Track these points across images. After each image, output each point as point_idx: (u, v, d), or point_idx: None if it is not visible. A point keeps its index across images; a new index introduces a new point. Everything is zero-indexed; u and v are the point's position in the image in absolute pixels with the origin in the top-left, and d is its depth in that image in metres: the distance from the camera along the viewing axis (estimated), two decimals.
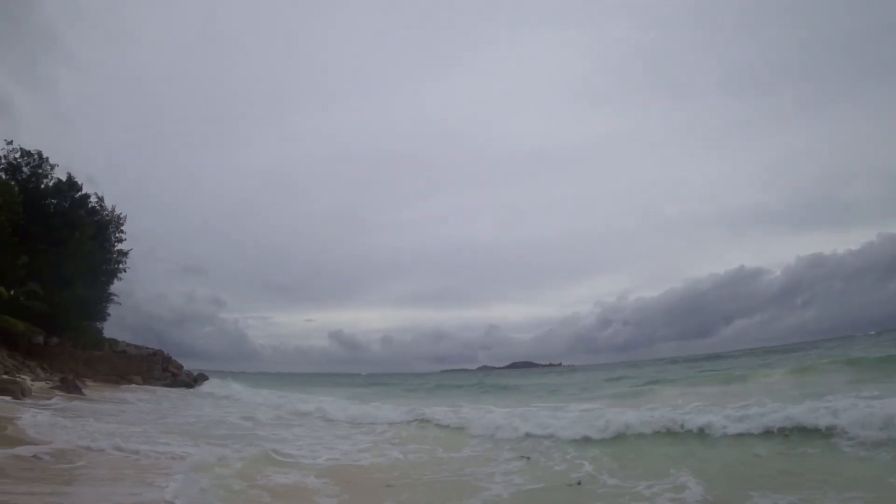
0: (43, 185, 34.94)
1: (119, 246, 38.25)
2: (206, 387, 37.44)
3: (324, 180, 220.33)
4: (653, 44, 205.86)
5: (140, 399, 20.18)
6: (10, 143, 34.58)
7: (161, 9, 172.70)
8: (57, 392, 15.87)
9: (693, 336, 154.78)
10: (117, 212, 38.11)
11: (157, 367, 39.77)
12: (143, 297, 74.60)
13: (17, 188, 31.81)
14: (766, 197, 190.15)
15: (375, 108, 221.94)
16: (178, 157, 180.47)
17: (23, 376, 17.56)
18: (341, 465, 8.01)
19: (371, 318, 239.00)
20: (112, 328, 41.54)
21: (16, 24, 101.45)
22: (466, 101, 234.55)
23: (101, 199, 37.24)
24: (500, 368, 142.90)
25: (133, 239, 40.35)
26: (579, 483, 6.52)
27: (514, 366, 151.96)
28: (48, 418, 9.81)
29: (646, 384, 20.53)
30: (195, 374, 43.66)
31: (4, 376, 14.24)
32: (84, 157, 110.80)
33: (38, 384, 16.80)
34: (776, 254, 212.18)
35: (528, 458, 8.37)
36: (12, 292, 29.46)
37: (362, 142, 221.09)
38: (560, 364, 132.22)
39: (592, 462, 7.69)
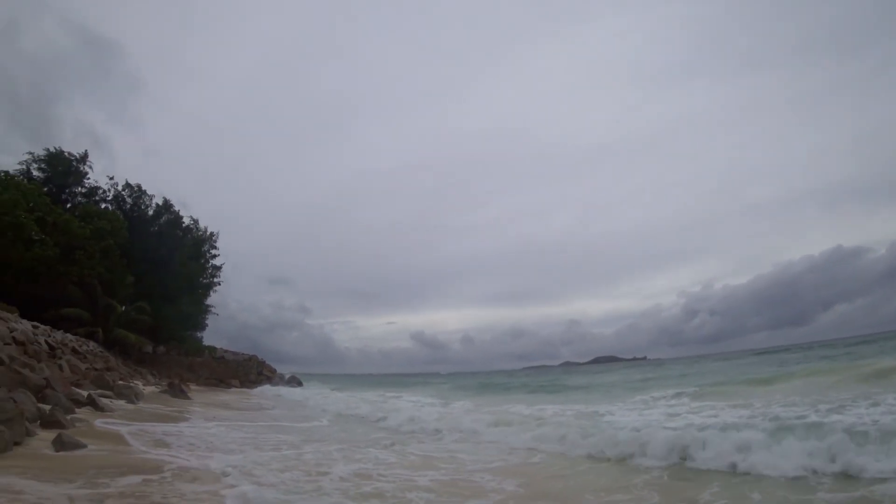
0: (143, 212, 38.63)
1: (213, 261, 41.50)
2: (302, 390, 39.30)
3: (397, 188, 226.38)
4: (717, 16, 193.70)
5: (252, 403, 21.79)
6: (112, 178, 38.73)
7: (231, 44, 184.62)
8: (165, 395, 17.57)
9: (787, 324, 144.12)
10: (209, 231, 41.39)
11: (253, 371, 42.55)
12: (236, 307, 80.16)
13: (121, 216, 35.47)
14: (861, 169, 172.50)
15: (441, 114, 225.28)
16: (259, 177, 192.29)
17: (136, 382, 19.54)
18: None
19: (450, 319, 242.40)
20: (210, 336, 45.07)
21: (106, 74, 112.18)
22: (530, 98, 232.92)
23: (195, 221, 40.59)
24: (582, 364, 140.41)
25: (224, 254, 43.65)
26: None
27: (596, 361, 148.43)
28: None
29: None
30: (287, 376, 46.25)
31: (120, 382, 15.91)
32: (175, 184, 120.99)
33: (148, 389, 18.62)
34: (878, 230, 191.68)
35: None
36: (124, 308, 32.80)
37: (431, 148, 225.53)
38: (645, 358, 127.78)
39: None
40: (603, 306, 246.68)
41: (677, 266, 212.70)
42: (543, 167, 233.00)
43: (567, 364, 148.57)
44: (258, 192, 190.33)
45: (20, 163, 35.25)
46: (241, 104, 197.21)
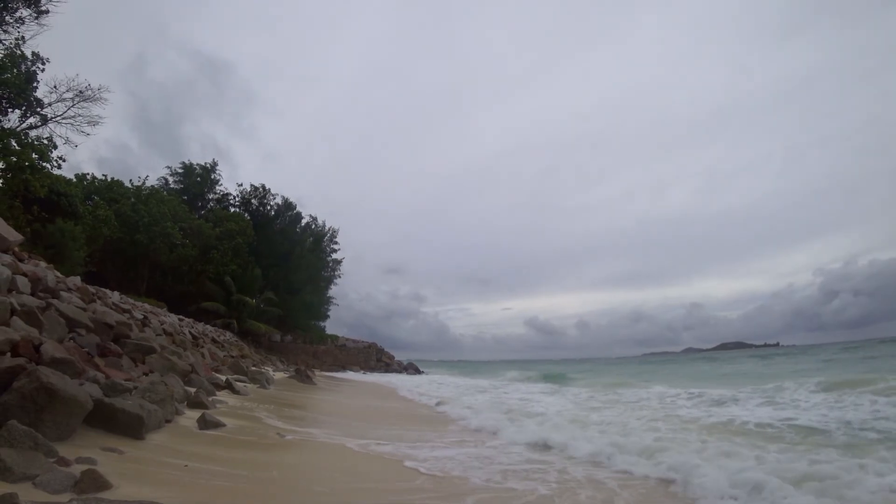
0: (267, 211, 41.74)
1: (333, 255, 43.99)
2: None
3: (509, 171, 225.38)
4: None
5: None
6: (241, 185, 42.34)
7: (334, 49, 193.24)
8: (293, 380, 18.58)
9: None
10: (328, 227, 43.82)
11: (373, 358, 44.37)
12: (355, 297, 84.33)
13: (248, 216, 38.69)
14: None
15: (549, 93, 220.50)
16: (371, 172, 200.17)
17: (266, 368, 20.95)
18: None
19: (566, 303, 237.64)
20: (332, 326, 47.75)
21: (220, 90, 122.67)
22: (640, 68, 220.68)
23: (314, 218, 43.17)
24: (707, 350, 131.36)
25: (343, 248, 46.01)
26: None
27: (722, 346, 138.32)
28: None
29: None
30: (405, 362, 47.78)
31: (253, 368, 17.03)
32: (293, 184, 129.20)
33: (277, 374, 19.82)
34: None
35: None
36: (254, 300, 35.62)
37: (542, 129, 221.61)
38: (777, 344, 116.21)
39: None
40: (728, 287, 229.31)
41: (813, 240, 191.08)
42: (656, 139, 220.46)
43: (690, 350, 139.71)
44: (371, 186, 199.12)
45: (159, 178, 39.73)
46: (349, 104, 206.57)
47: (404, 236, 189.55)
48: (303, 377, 19.33)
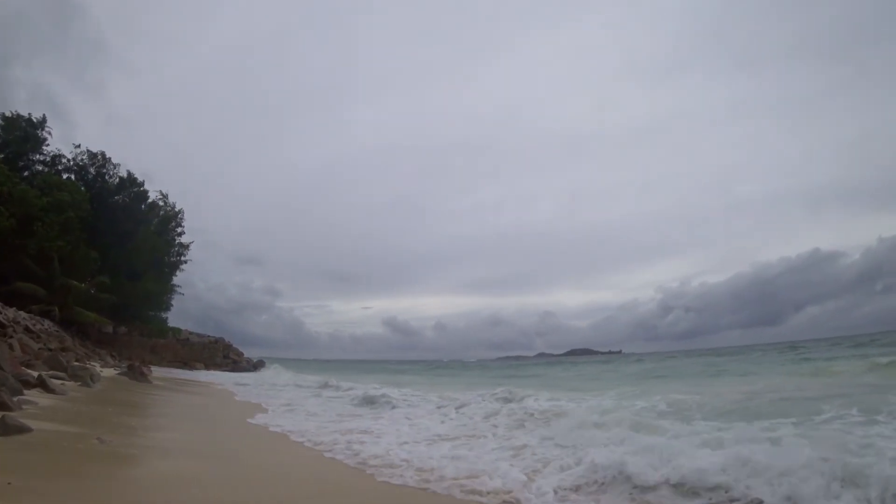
0: (107, 183, 36.75)
1: (180, 239, 39.90)
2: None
3: (381, 170, 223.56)
4: (714, 13, 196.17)
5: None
6: (78, 146, 36.67)
7: (211, 13, 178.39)
8: (124, 378, 16.54)
9: (760, 324, 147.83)
10: (178, 207, 39.70)
11: (219, 354, 41.32)
12: (203, 287, 78.17)
13: (83, 187, 33.59)
14: (846, 174, 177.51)
15: (429, 96, 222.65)
16: (235, 152, 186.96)
17: (93, 363, 18.39)
18: None
19: (427, 305, 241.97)
20: (176, 318, 43.58)
21: (64, 32, 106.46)
22: (522, 84, 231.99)
23: (165, 196, 38.85)
24: (557, 355, 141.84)
25: (192, 232, 41.99)
26: None
27: (571, 353, 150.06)
28: None
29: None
30: (255, 360, 45.12)
31: (75, 363, 14.85)
32: (142, 156, 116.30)
33: (106, 371, 17.52)
34: (855, 235, 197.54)
35: None
36: (84, 285, 31.16)
37: (418, 131, 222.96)
38: (620, 352, 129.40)
39: None
40: (581, 298, 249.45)
41: (658, 261, 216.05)
42: (531, 155, 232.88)
43: (542, 355, 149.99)
44: (233, 168, 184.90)
45: None
46: (218, 77, 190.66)
47: (265, 225, 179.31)
48: (136, 375, 17.36)
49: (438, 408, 12.69)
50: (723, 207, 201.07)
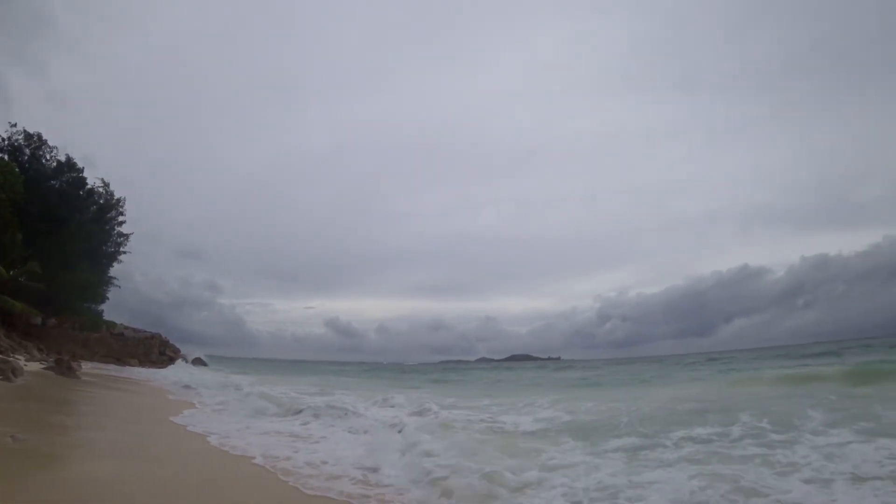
0: (43, 167, 35.02)
1: (119, 229, 38.26)
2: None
3: (331, 170, 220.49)
4: (662, 39, 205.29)
5: None
6: (14, 125, 34.77)
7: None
8: (50, 373, 16.06)
9: (692, 334, 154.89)
10: (119, 195, 38.07)
11: (155, 351, 40.06)
12: (141, 280, 75.18)
13: (17, 169, 31.90)
14: (774, 195, 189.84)
15: (384, 99, 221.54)
16: (183, 143, 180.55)
17: (17, 356, 17.72)
18: None
19: (370, 307, 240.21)
20: (111, 311, 41.85)
21: (6, 4, 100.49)
22: (475, 94, 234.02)
23: (106, 185, 37.20)
24: (498, 360, 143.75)
25: (134, 223, 40.51)
26: None
27: (512, 358, 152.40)
28: None
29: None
30: (192, 357, 44.03)
31: None
32: (85, 139, 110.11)
33: (32, 365, 16.94)
34: (781, 253, 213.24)
35: None
36: (12, 272, 29.64)
37: (371, 133, 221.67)
38: (559, 358, 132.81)
39: None
40: (522, 305, 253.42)
41: (597, 271, 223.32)
42: (479, 163, 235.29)
43: (484, 360, 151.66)
44: (180, 159, 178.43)
45: None
46: (169, 63, 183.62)
47: (210, 219, 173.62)
48: (63, 370, 16.87)
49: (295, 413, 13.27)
50: (660, 223, 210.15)
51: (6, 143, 34.38)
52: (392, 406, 14.48)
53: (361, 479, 6.13)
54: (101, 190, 36.54)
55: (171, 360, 40.09)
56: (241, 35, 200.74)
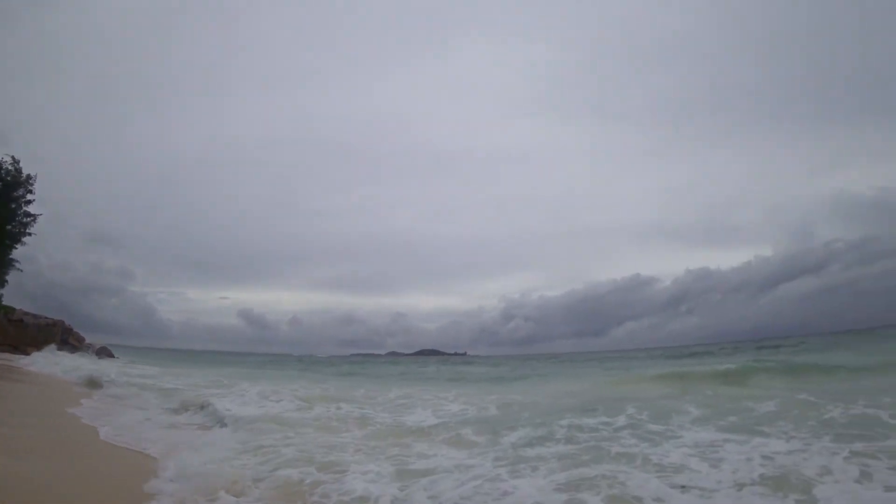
0: None
1: (26, 208, 35.54)
2: None
3: (254, 163, 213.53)
4: (578, 67, 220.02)
5: None
6: None
7: None
8: None
9: (588, 335, 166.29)
10: (27, 172, 35.34)
11: (57, 338, 38.00)
12: (46, 263, 69.66)
13: None
14: (667, 214, 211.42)
15: (309, 96, 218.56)
16: (102, 125, 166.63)
17: None
18: None
19: (285, 300, 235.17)
20: (11, 295, 38.89)
21: None
22: (398, 100, 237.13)
23: (16, 161, 34.40)
24: (408, 355, 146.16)
25: (43, 203, 37.78)
26: None
27: (421, 353, 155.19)
28: None
29: None
30: (98, 346, 42.09)
31: None
32: None
33: None
34: (669, 265, 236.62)
35: None
36: None
37: (294, 129, 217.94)
38: (465, 353, 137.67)
39: None
40: (431, 302, 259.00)
41: (503, 274, 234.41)
42: (400, 164, 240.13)
43: (394, 354, 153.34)
44: (97, 141, 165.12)
45: None
46: (97, 42, 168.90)
47: (125, 202, 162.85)
48: None
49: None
50: (563, 232, 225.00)
51: None
52: (279, 401, 13.40)
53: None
54: (9, 167, 33.98)
55: (74, 349, 38.24)
56: (168, 22, 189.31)
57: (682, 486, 5.07)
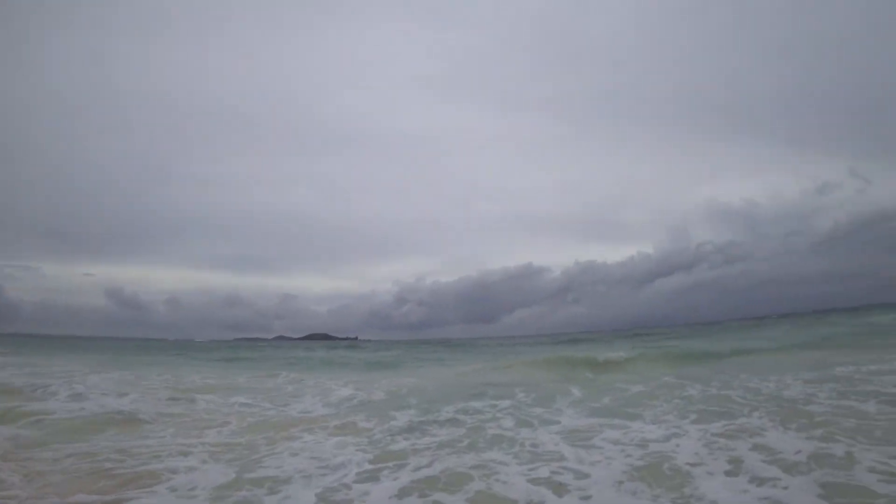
0: None
1: None
2: None
3: (128, 119, 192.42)
4: (497, 56, 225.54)
5: None
6: None
7: None
8: None
9: (480, 321, 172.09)
10: None
11: None
12: None
13: None
14: (561, 207, 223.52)
15: (200, 49, 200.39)
16: None
17: None
18: None
19: (161, 278, 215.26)
20: None
21: None
22: (302, 68, 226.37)
23: None
24: (297, 339, 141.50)
25: None
26: None
27: (310, 337, 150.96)
28: None
29: None
30: None
31: None
32: None
33: None
34: (559, 256, 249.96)
35: None
36: None
37: (182, 85, 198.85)
38: (356, 338, 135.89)
39: None
40: (323, 285, 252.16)
41: (398, 258, 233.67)
42: (297, 137, 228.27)
43: (281, 338, 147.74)
44: None
45: None
46: None
47: None
48: None
49: None
50: (460, 219, 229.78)
51: None
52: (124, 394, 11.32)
53: None
54: None
55: None
56: None
57: (559, 483, 4.82)
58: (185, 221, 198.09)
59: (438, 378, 15.59)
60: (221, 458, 6.01)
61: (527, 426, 7.48)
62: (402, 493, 4.73)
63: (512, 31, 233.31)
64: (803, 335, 24.04)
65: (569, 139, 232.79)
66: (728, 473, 4.83)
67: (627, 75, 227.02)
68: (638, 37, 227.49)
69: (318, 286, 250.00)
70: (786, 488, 4.33)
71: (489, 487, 4.77)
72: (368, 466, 5.58)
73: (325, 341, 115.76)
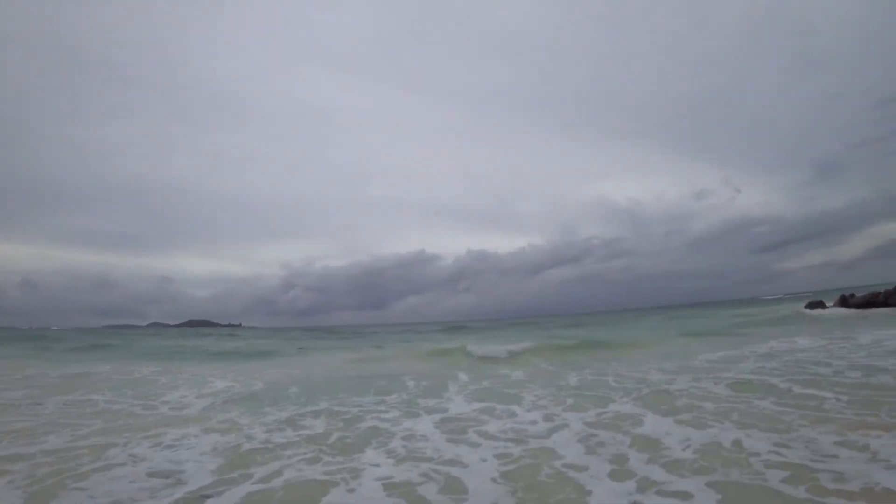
0: None
1: None
2: None
3: None
4: (411, 38, 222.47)
5: None
6: None
7: None
8: None
9: (371, 307, 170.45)
10: None
11: None
12: None
13: None
14: (458, 196, 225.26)
15: None
16: None
17: None
18: None
19: (13, 255, 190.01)
20: None
21: None
22: (194, 24, 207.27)
23: None
24: (174, 326, 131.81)
25: None
26: None
27: (189, 323, 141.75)
28: None
29: None
30: None
31: None
32: None
33: None
34: (452, 245, 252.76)
35: None
36: None
37: (37, 29, 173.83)
38: (240, 325, 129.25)
39: None
40: (204, 266, 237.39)
41: (287, 239, 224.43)
42: (182, 104, 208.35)
43: (156, 325, 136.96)
44: None
45: None
46: None
47: None
48: None
49: None
50: (353, 202, 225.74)
51: None
52: None
53: None
54: None
55: None
56: None
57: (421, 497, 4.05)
58: (45, 190, 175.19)
59: (324, 367, 15.10)
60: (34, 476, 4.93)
61: (411, 417, 7.25)
62: None
63: (419, 16, 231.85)
64: (674, 326, 26.21)
65: (467, 129, 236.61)
66: (613, 478, 4.27)
67: (529, 72, 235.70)
68: (542, 36, 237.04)
69: (198, 268, 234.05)
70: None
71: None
72: (208, 480, 4.67)
73: (205, 328, 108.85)
